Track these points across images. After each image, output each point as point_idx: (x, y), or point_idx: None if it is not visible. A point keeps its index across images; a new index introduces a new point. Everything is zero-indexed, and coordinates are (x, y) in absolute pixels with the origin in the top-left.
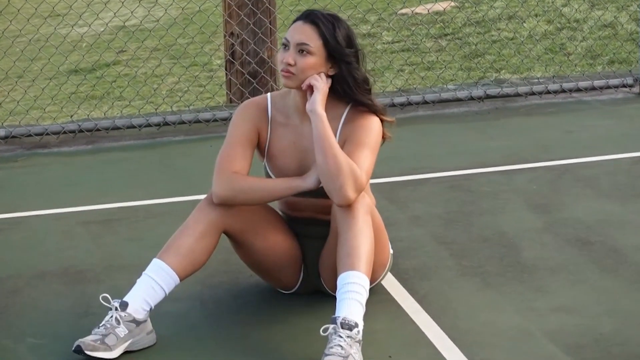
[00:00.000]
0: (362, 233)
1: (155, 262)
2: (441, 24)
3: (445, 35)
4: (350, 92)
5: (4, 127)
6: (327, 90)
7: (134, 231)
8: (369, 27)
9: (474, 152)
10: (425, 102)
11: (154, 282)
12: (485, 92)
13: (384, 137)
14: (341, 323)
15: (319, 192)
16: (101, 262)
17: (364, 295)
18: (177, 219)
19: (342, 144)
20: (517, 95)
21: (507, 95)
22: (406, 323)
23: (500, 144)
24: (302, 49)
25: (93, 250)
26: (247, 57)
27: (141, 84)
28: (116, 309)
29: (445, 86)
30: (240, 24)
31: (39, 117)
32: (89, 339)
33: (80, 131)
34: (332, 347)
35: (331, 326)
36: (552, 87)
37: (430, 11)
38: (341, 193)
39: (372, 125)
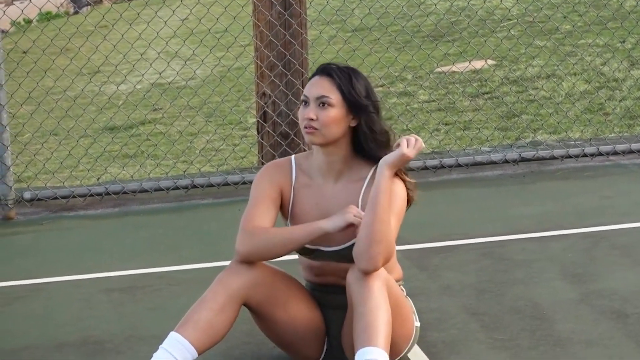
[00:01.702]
0: (379, 307)
1: (173, 335)
2: (478, 82)
3: (482, 94)
4: (369, 146)
5: (29, 189)
6: (411, 159)
7: (156, 300)
8: (405, 85)
9: (507, 218)
10: (459, 165)
11: (172, 357)
12: (520, 154)
13: (409, 202)
14: None
15: (344, 256)
16: (121, 333)
17: None
18: (201, 287)
19: (364, 207)
20: (553, 158)
21: (543, 158)
22: None
23: (535, 210)
24: (322, 102)
25: (113, 320)
26: (277, 119)
27: (174, 142)
28: None
29: (479, 148)
30: (271, 84)
31: (68, 176)
32: None
33: (107, 194)
34: None
35: None
36: (589, 150)
37: (466, 70)
38: (373, 261)
39: (397, 190)
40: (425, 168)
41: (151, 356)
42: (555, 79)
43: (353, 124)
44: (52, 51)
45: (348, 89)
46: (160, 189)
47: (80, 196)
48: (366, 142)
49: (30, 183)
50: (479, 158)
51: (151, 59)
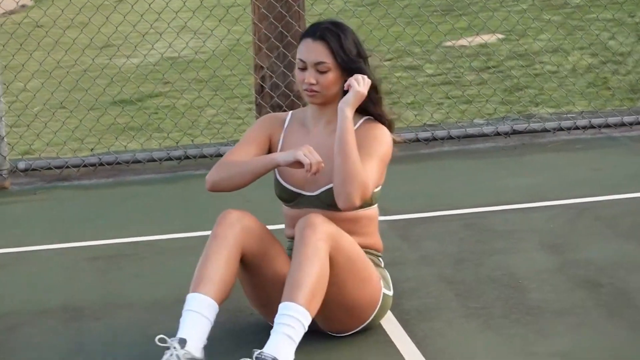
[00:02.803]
0: (309, 262)
1: (194, 296)
2: (485, 56)
3: (488, 68)
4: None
5: (23, 159)
6: (365, 94)
7: (140, 267)
8: (413, 59)
9: (494, 189)
10: (451, 138)
11: (201, 316)
12: (512, 127)
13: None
14: (256, 357)
15: (323, 201)
16: (101, 299)
17: (297, 327)
18: (186, 255)
19: None
20: (545, 130)
21: (535, 131)
22: None
23: (522, 181)
24: (319, 69)
25: (96, 287)
26: (276, 81)
27: (179, 116)
28: (174, 347)
29: (472, 121)
30: (267, 58)
31: (76, 148)
32: None
33: (101, 164)
34: None
35: None
36: (581, 122)
37: (474, 43)
38: (349, 198)
39: (383, 137)
40: (417, 140)
41: (130, 321)
42: (562, 53)
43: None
44: (64, 25)
45: (340, 53)
46: (153, 160)
47: (74, 166)
48: None
49: (41, 154)
50: (471, 131)
51: (161, 32)
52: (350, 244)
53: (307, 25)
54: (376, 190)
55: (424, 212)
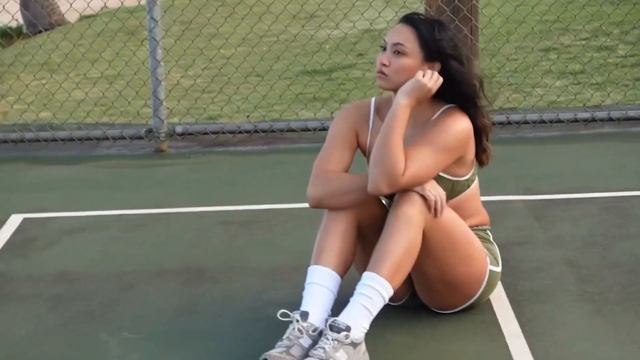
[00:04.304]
0: (397, 236)
1: (315, 268)
2: None
3: None
4: (447, 93)
5: (181, 124)
6: (431, 88)
7: (269, 234)
8: (606, 40)
9: None
10: (611, 119)
11: (322, 287)
12: None
13: (481, 164)
14: (330, 325)
15: None
16: (224, 264)
17: (375, 299)
18: (317, 224)
19: None
20: None
21: None
22: (499, 347)
23: None
24: (397, 50)
25: (221, 251)
26: None
27: (367, 87)
28: (297, 320)
29: (635, 103)
30: None
31: (266, 113)
32: (274, 351)
33: (256, 131)
34: (315, 349)
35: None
36: None
37: None
38: (374, 184)
39: (452, 128)
40: (576, 121)
41: (246, 285)
42: None
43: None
44: None
45: (428, 38)
46: (307, 129)
47: (230, 132)
48: (451, 91)
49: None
50: (632, 113)
51: (362, 7)
52: (450, 219)
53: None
54: (462, 178)
55: (566, 194)
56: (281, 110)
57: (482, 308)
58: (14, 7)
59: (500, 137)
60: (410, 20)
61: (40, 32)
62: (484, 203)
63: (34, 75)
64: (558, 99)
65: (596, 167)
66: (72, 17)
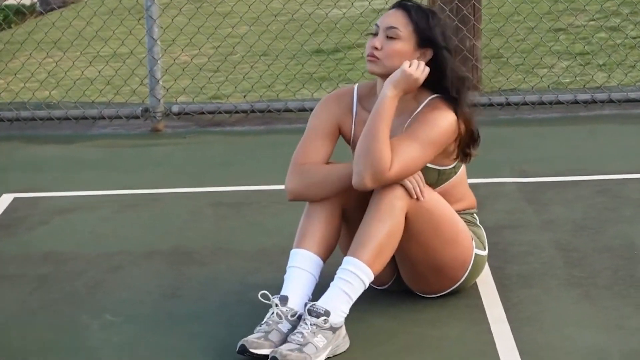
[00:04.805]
0: (379, 220)
1: (297, 251)
2: None
3: None
4: (436, 82)
5: (177, 103)
6: (418, 78)
7: (259, 216)
8: (618, 21)
9: None
10: (611, 101)
11: (303, 271)
12: None
13: (469, 156)
14: (309, 309)
15: None
16: (212, 245)
17: (355, 284)
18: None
19: None
20: None
21: None
22: (482, 332)
23: None
24: (390, 35)
25: (210, 232)
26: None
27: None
28: (276, 304)
29: (636, 85)
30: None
31: (262, 93)
32: (252, 337)
33: (253, 112)
34: (293, 334)
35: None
36: None
37: None
38: (358, 177)
39: (439, 121)
40: (576, 102)
41: (231, 268)
42: None
43: (421, 60)
44: None
45: (422, 24)
46: (304, 110)
47: (226, 112)
48: (434, 81)
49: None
50: (633, 95)
51: None
52: (435, 202)
53: None
54: (448, 167)
55: (561, 176)
56: (293, 88)
57: (468, 292)
58: None
59: (499, 119)
60: (404, 5)
61: (53, 9)
62: (478, 186)
63: (47, 53)
64: (560, 80)
65: (593, 150)
66: None
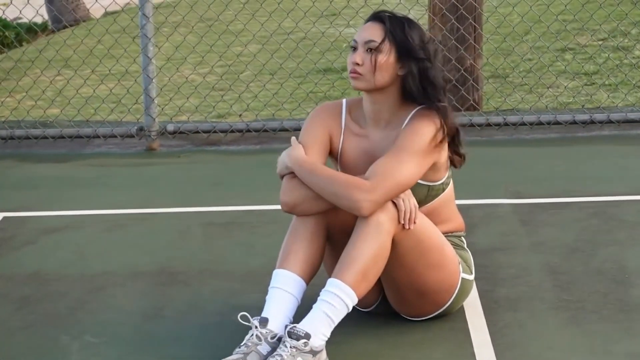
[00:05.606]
0: (365, 242)
1: (279, 272)
2: None
3: None
4: (419, 93)
5: (172, 122)
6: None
7: (249, 237)
8: (625, 40)
9: (638, 178)
10: (610, 122)
11: (285, 292)
12: None
13: (458, 160)
14: (289, 332)
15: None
16: (199, 266)
17: (338, 307)
18: None
19: None
20: None
21: None
22: (466, 356)
23: None
24: (370, 47)
25: (198, 253)
26: (447, 54)
27: None
28: (256, 326)
29: (635, 106)
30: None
31: (275, 111)
32: (230, 358)
33: (248, 131)
34: (272, 357)
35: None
36: None
37: None
38: (354, 209)
39: (422, 130)
40: (574, 122)
41: (216, 290)
42: None
43: (401, 72)
44: None
45: (399, 35)
46: (299, 129)
47: (222, 131)
48: (418, 88)
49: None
50: (632, 115)
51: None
52: (422, 226)
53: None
54: (437, 183)
55: (556, 198)
56: (290, 108)
57: (454, 316)
58: (39, 2)
59: (497, 139)
60: (379, 17)
61: (65, 27)
62: (472, 207)
63: (59, 71)
64: (560, 100)
65: (590, 171)
66: (98, 13)
